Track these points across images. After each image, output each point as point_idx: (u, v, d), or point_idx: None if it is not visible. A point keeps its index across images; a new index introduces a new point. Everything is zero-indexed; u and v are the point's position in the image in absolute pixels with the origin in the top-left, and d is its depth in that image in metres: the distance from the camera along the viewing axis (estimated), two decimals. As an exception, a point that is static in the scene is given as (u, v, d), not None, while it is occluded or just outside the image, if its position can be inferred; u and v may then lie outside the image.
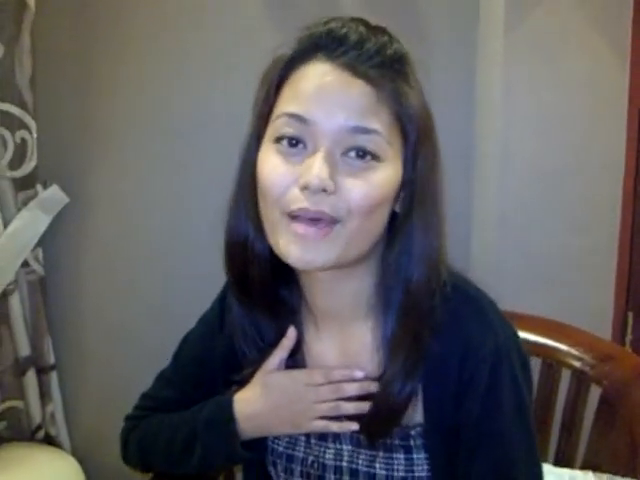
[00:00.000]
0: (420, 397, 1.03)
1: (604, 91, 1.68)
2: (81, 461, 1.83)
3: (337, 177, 0.90)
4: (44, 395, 1.82)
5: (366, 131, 0.90)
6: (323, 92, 0.91)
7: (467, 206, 1.78)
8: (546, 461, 1.41)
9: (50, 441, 1.86)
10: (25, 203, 1.69)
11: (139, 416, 1.23)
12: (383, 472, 1.06)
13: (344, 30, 0.92)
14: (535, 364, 1.41)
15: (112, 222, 1.84)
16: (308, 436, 1.11)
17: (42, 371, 1.81)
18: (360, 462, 1.08)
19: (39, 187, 1.70)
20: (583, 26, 1.65)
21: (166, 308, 1.84)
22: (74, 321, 1.89)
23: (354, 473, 1.08)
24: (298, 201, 0.90)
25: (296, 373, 1.07)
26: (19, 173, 1.67)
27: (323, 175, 0.88)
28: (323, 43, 0.93)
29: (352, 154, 0.91)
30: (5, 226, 1.67)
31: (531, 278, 1.72)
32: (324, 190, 0.89)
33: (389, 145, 0.92)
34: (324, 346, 1.10)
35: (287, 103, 0.93)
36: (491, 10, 1.66)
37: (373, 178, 0.91)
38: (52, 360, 1.82)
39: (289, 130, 0.92)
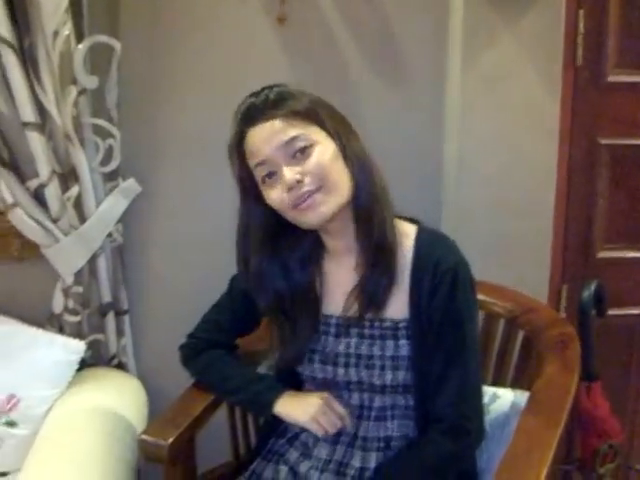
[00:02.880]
0: (407, 300, 1.41)
1: (537, 113, 1.96)
2: (144, 383, 2.14)
3: (300, 169, 1.35)
4: (119, 332, 2.14)
5: (292, 139, 1.35)
6: (260, 141, 1.37)
7: (437, 201, 2.08)
8: (485, 384, 1.69)
9: (121, 367, 2.17)
10: (111, 191, 2.01)
11: (199, 336, 1.67)
12: (378, 353, 1.42)
13: (250, 104, 1.40)
14: (480, 315, 1.73)
15: (174, 205, 2.17)
16: (326, 333, 1.49)
17: (118, 314, 2.13)
18: (363, 348, 1.44)
19: (120, 179, 2.03)
20: (522, 63, 1.94)
21: (218, 270, 2.02)
22: (143, 277, 2.20)
23: (359, 356, 1.44)
24: (290, 198, 1.36)
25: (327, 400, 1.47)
26: (107, 169, 1.99)
27: (290, 176, 1.34)
28: (245, 119, 1.40)
29: (297, 154, 1.35)
30: (97, 207, 2.01)
31: (487, 255, 1.95)
32: (298, 182, 1.34)
33: (312, 135, 1.36)
34: (331, 270, 1.52)
35: (251, 161, 1.40)
36: (454, 51, 1.98)
37: (315, 154, 1.35)
38: (126, 306, 2.15)
39: (263, 172, 1.38)
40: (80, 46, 1.88)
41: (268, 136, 1.36)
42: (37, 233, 2.01)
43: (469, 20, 1.93)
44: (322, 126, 1.38)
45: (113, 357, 2.15)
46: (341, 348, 1.47)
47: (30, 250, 2.11)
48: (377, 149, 2.06)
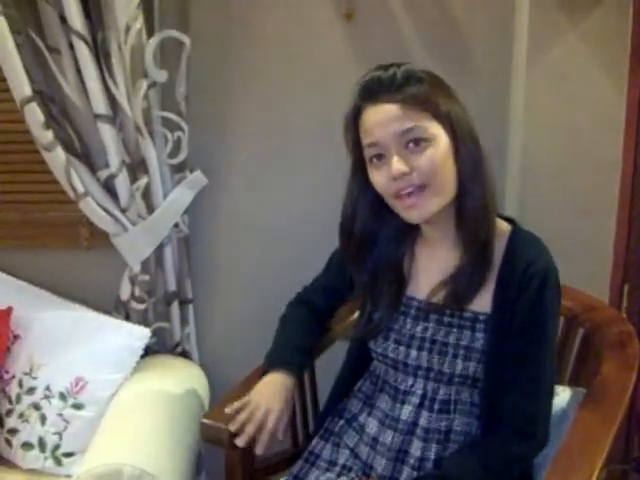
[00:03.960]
0: (491, 295, 1.41)
1: (602, 109, 1.93)
2: (205, 370, 2.19)
3: (409, 161, 1.35)
4: (183, 320, 2.20)
5: (409, 130, 1.34)
6: (377, 123, 1.37)
7: (499, 195, 2.10)
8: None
9: (184, 354, 2.23)
10: (178, 182, 2.07)
11: (300, 294, 1.76)
12: (453, 341, 1.42)
13: (377, 77, 1.39)
14: None
15: (239, 197, 2.19)
16: (405, 315, 1.51)
17: (183, 303, 2.20)
18: (439, 335, 1.45)
19: (187, 172, 2.08)
20: (588, 59, 1.92)
21: (281, 261, 2.19)
22: (207, 268, 2.24)
23: (433, 342, 1.45)
24: (394, 186, 1.37)
25: None
26: (175, 161, 2.05)
27: (399, 166, 1.34)
28: (364, 94, 1.40)
29: (411, 145, 1.35)
30: (164, 197, 2.06)
31: None
32: (404, 174, 1.35)
33: (430, 129, 1.35)
34: (423, 257, 1.53)
35: (364, 139, 1.40)
36: (519, 48, 1.97)
37: (429, 151, 1.35)
38: (190, 295, 2.20)
39: (372, 152, 1.39)
40: (151, 41, 1.95)
41: (384, 121, 1.36)
42: (106, 222, 2.08)
43: (535, 18, 1.92)
44: (439, 117, 1.37)
45: (177, 345, 2.21)
46: (418, 331, 1.48)
47: (99, 239, 2.19)
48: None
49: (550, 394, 1.44)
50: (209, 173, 2.12)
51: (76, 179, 2.02)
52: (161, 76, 1.97)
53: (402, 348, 1.49)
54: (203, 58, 2.06)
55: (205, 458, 1.98)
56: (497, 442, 1.40)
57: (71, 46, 1.92)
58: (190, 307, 2.22)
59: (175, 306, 2.18)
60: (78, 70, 1.94)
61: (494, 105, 2.02)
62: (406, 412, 1.47)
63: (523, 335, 1.38)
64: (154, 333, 2.14)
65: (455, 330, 1.43)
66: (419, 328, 1.48)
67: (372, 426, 1.53)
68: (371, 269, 1.53)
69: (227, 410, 1.55)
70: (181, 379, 2.10)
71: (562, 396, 1.64)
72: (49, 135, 1.98)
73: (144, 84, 1.94)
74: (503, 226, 1.47)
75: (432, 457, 1.44)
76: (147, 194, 2.06)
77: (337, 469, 1.55)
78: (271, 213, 2.19)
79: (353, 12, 2.04)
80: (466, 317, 1.43)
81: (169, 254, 2.14)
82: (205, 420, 1.63)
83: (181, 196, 2.10)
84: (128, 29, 1.87)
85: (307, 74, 2.08)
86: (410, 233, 1.54)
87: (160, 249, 2.13)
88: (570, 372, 1.77)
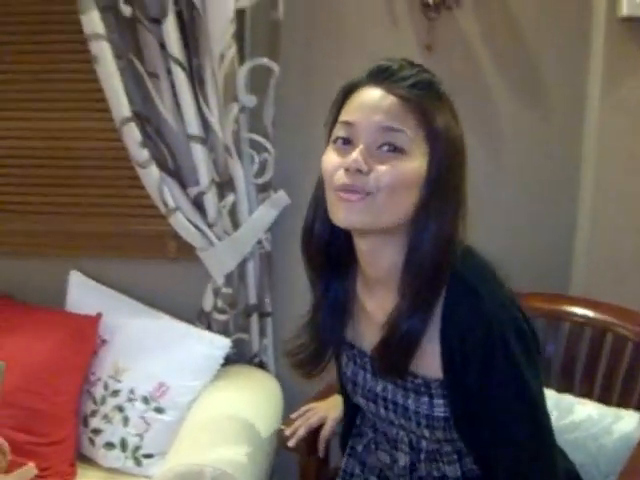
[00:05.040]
0: (438, 357, 1.22)
1: None
2: (281, 381, 2.24)
3: (371, 163, 1.15)
4: (261, 332, 2.27)
5: (394, 129, 1.15)
6: (365, 104, 1.18)
7: (571, 225, 2.11)
8: (610, 405, 1.76)
9: (262, 366, 2.29)
10: (262, 201, 2.16)
11: None
12: (413, 407, 1.27)
13: (388, 64, 1.21)
14: (609, 337, 1.84)
15: None
16: (364, 369, 1.36)
17: (262, 315, 2.27)
18: (398, 397, 1.30)
19: (272, 191, 2.17)
20: None
21: None
22: (286, 283, 2.27)
23: (395, 403, 1.31)
24: (341, 179, 1.16)
25: None
26: (260, 181, 2.15)
27: (359, 160, 1.14)
28: (372, 74, 1.21)
29: (385, 148, 1.16)
30: (249, 215, 2.15)
31: (621, 277, 1.98)
32: (359, 171, 1.14)
33: (413, 144, 1.16)
34: (369, 301, 1.33)
35: (343, 116, 1.22)
36: (594, 79, 2.00)
37: (398, 166, 1.15)
38: (269, 308, 2.27)
39: (341, 133, 1.20)
40: (242, 67, 2.07)
41: (374, 106, 1.18)
42: (194, 236, 2.19)
43: (610, 48, 1.95)
44: (432, 141, 1.18)
45: (254, 356, 2.29)
46: (378, 389, 1.34)
47: (186, 252, 2.28)
48: (515, 171, 2.13)
49: (548, 447, 1.26)
50: (292, 193, 2.19)
51: (168, 195, 2.14)
52: (251, 101, 2.08)
53: (371, 404, 1.37)
54: (290, 84, 2.15)
55: (279, 466, 2.04)
56: None
57: (169, 71, 2.05)
58: (269, 320, 2.29)
59: (255, 318, 2.26)
60: (174, 93, 2.06)
61: (567, 138, 2.07)
62: (403, 459, 1.39)
63: (486, 409, 1.21)
64: (234, 343, 2.21)
65: (412, 395, 1.28)
66: (379, 387, 1.34)
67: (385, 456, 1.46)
68: (321, 288, 1.40)
69: (292, 415, 1.65)
70: (258, 389, 2.17)
71: (627, 420, 1.66)
72: (145, 153, 2.10)
73: (235, 108, 2.05)
74: None
75: None
76: (233, 211, 2.16)
77: None
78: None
79: (433, 44, 2.11)
80: (418, 383, 1.27)
81: (251, 269, 2.22)
82: (282, 427, 1.71)
83: (265, 214, 2.19)
84: (222, 57, 1.99)
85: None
86: (353, 263, 1.35)
87: (243, 264, 2.21)
88: (637, 397, 1.79)
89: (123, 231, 2.42)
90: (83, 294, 2.36)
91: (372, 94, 1.19)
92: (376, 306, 1.31)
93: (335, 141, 1.22)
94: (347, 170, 1.16)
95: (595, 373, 1.88)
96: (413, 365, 1.24)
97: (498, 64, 2.10)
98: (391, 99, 1.17)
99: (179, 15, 2.01)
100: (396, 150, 1.16)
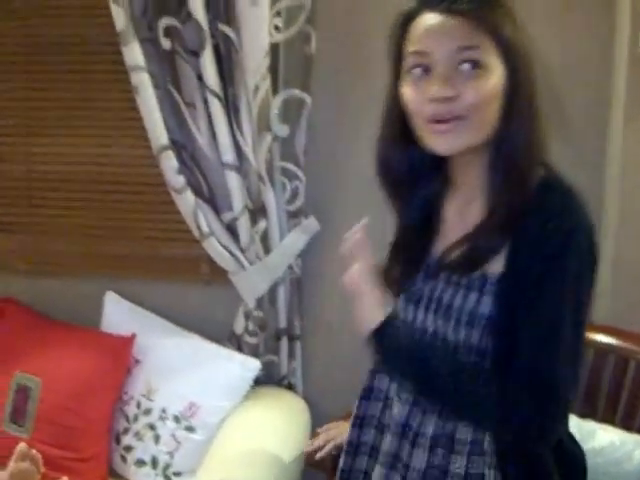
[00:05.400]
0: (504, 255, 1.20)
1: None
2: (308, 403, 2.28)
3: (456, 86, 1.16)
4: (290, 355, 2.32)
5: (469, 47, 1.16)
6: (432, 30, 1.18)
7: None
8: (613, 425, 1.79)
9: (290, 387, 2.33)
10: (293, 227, 2.23)
11: None
12: (459, 303, 1.23)
13: None
14: (610, 359, 1.88)
15: None
16: (418, 272, 1.34)
17: (291, 338, 2.31)
18: (446, 295, 1.26)
19: (302, 217, 2.24)
20: None
21: None
22: (315, 307, 2.33)
23: (439, 302, 1.27)
24: (430, 109, 1.18)
25: None
26: (292, 207, 2.23)
27: (445, 87, 1.16)
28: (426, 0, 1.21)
29: (465, 66, 1.16)
30: (280, 240, 2.22)
31: None
32: (447, 99, 1.16)
33: (489, 57, 1.17)
34: (452, 209, 1.34)
35: (411, 46, 1.21)
36: (617, 110, 2.06)
37: (481, 83, 1.16)
38: (299, 332, 2.32)
39: (415, 61, 1.20)
40: (276, 98, 2.15)
41: (441, 31, 1.19)
42: (227, 260, 2.25)
43: (632, 79, 2.00)
44: (503, 48, 1.19)
45: (283, 377, 2.33)
46: (427, 290, 1.32)
47: (218, 275, 2.35)
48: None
49: (574, 360, 1.20)
50: (322, 219, 2.26)
51: (202, 220, 2.21)
52: (283, 130, 2.17)
53: (411, 307, 1.34)
54: (321, 114, 2.22)
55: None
56: (503, 409, 1.20)
57: (205, 101, 2.13)
58: (298, 343, 2.34)
59: (284, 341, 2.31)
60: (210, 123, 2.14)
61: (590, 167, 2.10)
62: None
63: (536, 291, 1.17)
64: (263, 365, 2.24)
65: (462, 291, 1.25)
66: (428, 287, 1.32)
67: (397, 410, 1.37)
68: (405, 214, 1.40)
69: (318, 430, 1.67)
70: (286, 410, 2.21)
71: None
72: (181, 180, 2.18)
73: (268, 137, 2.13)
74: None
75: (429, 431, 1.29)
76: (265, 237, 2.23)
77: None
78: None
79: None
80: (474, 277, 1.24)
81: (282, 293, 2.28)
82: (310, 448, 1.75)
83: (296, 240, 2.25)
84: (257, 88, 2.07)
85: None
86: (441, 183, 1.36)
87: (274, 288, 2.27)
88: None
89: (158, 254, 2.49)
90: (118, 315, 2.42)
91: (436, 18, 1.19)
92: (465, 216, 1.30)
93: (410, 71, 1.23)
94: (434, 100, 1.18)
95: (618, 400, 1.90)
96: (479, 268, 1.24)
97: None
98: (457, 19, 1.17)
99: (216, 48, 2.10)
100: (475, 66, 1.17)
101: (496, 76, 1.18)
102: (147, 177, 2.43)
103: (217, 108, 2.11)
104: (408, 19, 1.24)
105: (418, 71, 1.20)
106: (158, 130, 2.15)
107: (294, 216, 2.25)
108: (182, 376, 2.21)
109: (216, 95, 2.09)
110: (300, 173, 2.21)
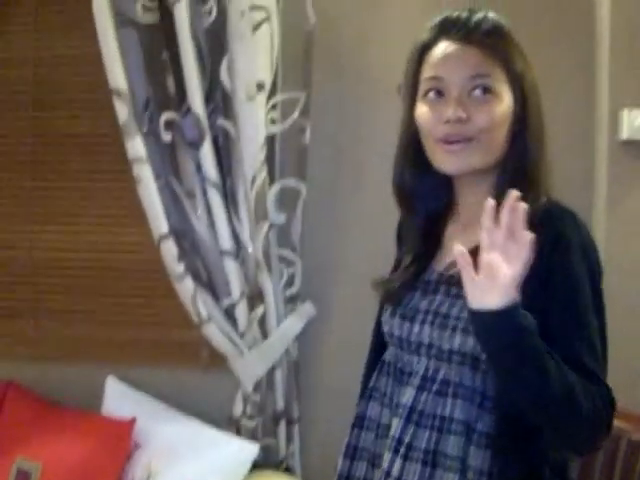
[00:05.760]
0: None
1: None
2: None
3: (468, 110, 1.25)
4: (289, 438, 2.33)
5: (481, 76, 1.25)
6: (448, 58, 1.28)
7: None
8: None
9: (288, 470, 2.33)
10: (290, 312, 2.29)
11: None
12: (455, 313, 1.27)
13: (456, 15, 1.30)
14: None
15: (346, 327, 2.32)
16: (415, 289, 1.37)
17: (289, 422, 2.33)
18: (443, 307, 1.30)
19: (299, 302, 2.30)
20: None
21: None
22: (313, 390, 2.36)
23: (436, 314, 1.31)
24: (443, 130, 1.26)
25: None
26: (288, 293, 2.29)
27: (458, 109, 1.24)
28: (443, 28, 1.30)
29: (477, 92, 1.25)
30: (277, 325, 2.27)
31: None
32: (459, 120, 1.24)
33: (500, 85, 1.26)
34: (456, 229, 1.38)
35: (427, 72, 1.30)
36: (599, 196, 2.14)
37: (492, 107, 1.25)
38: (296, 415, 2.33)
39: (430, 85, 1.29)
40: (272, 188, 2.23)
41: (456, 59, 1.28)
42: (225, 345, 2.30)
43: (612, 167, 2.10)
44: (512, 77, 1.28)
45: (281, 461, 2.33)
46: (423, 305, 1.35)
47: (217, 359, 2.38)
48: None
49: (604, 352, 1.26)
50: (318, 304, 2.31)
51: (201, 306, 2.27)
52: (280, 218, 2.25)
53: (406, 324, 1.36)
54: (316, 203, 2.30)
55: None
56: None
57: (204, 191, 2.22)
58: (296, 426, 2.35)
59: (282, 424, 2.32)
60: (209, 212, 2.23)
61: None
62: (407, 395, 1.33)
63: (556, 301, 1.22)
64: (262, 449, 2.24)
65: (460, 301, 1.26)
66: (425, 302, 1.35)
67: (385, 415, 1.40)
68: (413, 226, 1.44)
69: None
70: (283, 493, 2.22)
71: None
72: (181, 267, 2.25)
73: (265, 225, 2.20)
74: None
75: (422, 446, 1.28)
76: (263, 321, 2.27)
77: None
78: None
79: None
80: None
81: (279, 376, 2.30)
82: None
83: (293, 324, 2.30)
84: (254, 179, 2.16)
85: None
86: (446, 207, 1.41)
87: (271, 371, 2.30)
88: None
89: (158, 339, 2.54)
90: (119, 399, 2.45)
91: (452, 46, 1.28)
92: (469, 234, 1.30)
93: (426, 94, 1.31)
94: (447, 121, 1.26)
95: (611, 477, 1.92)
96: None
97: None
98: (472, 48, 1.27)
99: (215, 141, 2.20)
100: (487, 92, 1.26)
101: (505, 103, 1.27)
102: (147, 264, 2.49)
103: (216, 198, 2.19)
104: (425, 48, 1.32)
105: (433, 94, 1.29)
106: (159, 219, 2.23)
107: (291, 301, 2.30)
108: (181, 460, 2.21)
109: (215, 185, 2.18)
110: (296, 260, 2.27)
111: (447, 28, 1.30)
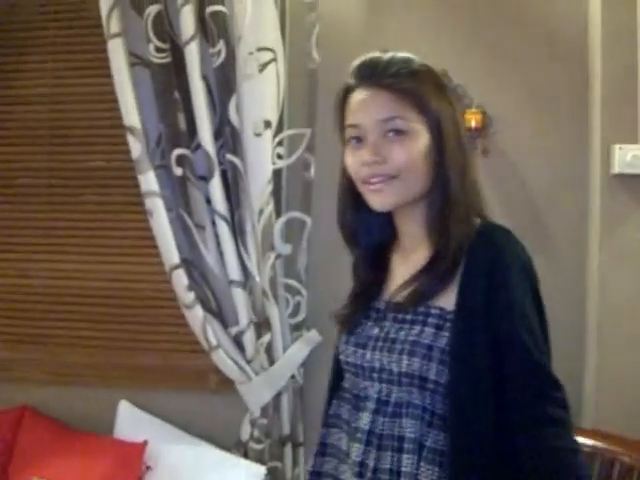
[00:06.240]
0: (455, 291, 1.31)
1: None
2: None
3: (384, 151, 1.31)
4: (294, 461, 2.41)
5: (393, 118, 1.31)
6: (361, 104, 1.35)
7: (579, 358, 2.26)
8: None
9: None
10: (296, 339, 2.38)
11: None
12: (402, 337, 1.33)
13: (368, 59, 1.37)
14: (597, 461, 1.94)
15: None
16: (368, 318, 1.43)
17: (295, 445, 2.42)
18: (392, 331, 1.36)
19: (304, 330, 2.39)
20: None
21: None
22: (317, 415, 2.26)
23: (385, 340, 1.36)
24: (364, 172, 1.34)
25: None
26: (293, 321, 2.38)
27: (372, 154, 1.32)
28: (359, 75, 1.36)
29: (390, 134, 1.32)
30: (284, 352, 2.36)
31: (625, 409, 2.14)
32: (376, 162, 1.32)
33: (412, 123, 1.31)
34: (399, 258, 1.45)
35: (348, 119, 1.37)
36: (594, 229, 2.24)
37: (406, 145, 1.31)
38: (302, 439, 2.43)
39: (351, 133, 1.36)
40: (279, 220, 2.33)
41: (369, 105, 1.35)
42: (233, 371, 2.38)
43: (605, 200, 2.19)
44: (425, 114, 1.33)
45: (288, 483, 2.43)
46: (375, 332, 1.41)
47: (225, 385, 2.47)
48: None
49: (548, 352, 1.34)
50: (323, 331, 2.36)
51: (210, 333, 2.35)
52: (286, 249, 2.34)
53: (360, 351, 1.42)
54: (321, 234, 2.37)
55: None
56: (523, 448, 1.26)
57: (213, 223, 2.32)
58: (301, 449, 2.44)
59: (288, 448, 2.41)
60: (218, 243, 2.32)
61: (571, 277, 2.29)
62: (364, 420, 1.38)
63: (502, 320, 1.28)
64: (268, 471, 2.34)
65: (407, 326, 1.35)
66: (376, 329, 1.41)
67: (344, 441, 1.44)
68: (361, 259, 1.52)
69: None
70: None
71: None
72: (191, 296, 2.34)
73: (272, 256, 2.30)
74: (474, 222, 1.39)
75: (387, 466, 1.33)
76: (270, 348, 2.36)
77: None
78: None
79: (488, 149, 2.35)
80: (419, 312, 1.35)
81: (285, 401, 2.39)
82: None
83: (298, 351, 2.39)
84: (261, 211, 2.26)
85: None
86: (390, 239, 1.49)
87: (278, 396, 2.39)
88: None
89: (169, 365, 2.64)
90: (131, 422, 2.54)
91: (364, 93, 1.35)
92: (410, 265, 1.40)
93: (349, 142, 1.38)
94: (365, 164, 1.34)
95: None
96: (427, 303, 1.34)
97: (506, 215, 2.27)
98: (382, 93, 1.33)
99: (224, 175, 2.30)
100: (399, 133, 1.32)
101: (421, 140, 1.33)
102: (158, 292, 2.61)
103: (224, 230, 2.28)
104: (346, 94, 1.40)
105: (354, 142, 1.37)
106: (170, 250, 2.32)
107: (297, 329, 2.39)
108: (190, 482, 2.28)
109: (224, 218, 2.28)
110: (302, 289, 2.36)
111: (361, 73, 1.37)
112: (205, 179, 2.30)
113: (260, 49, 2.26)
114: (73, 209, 2.74)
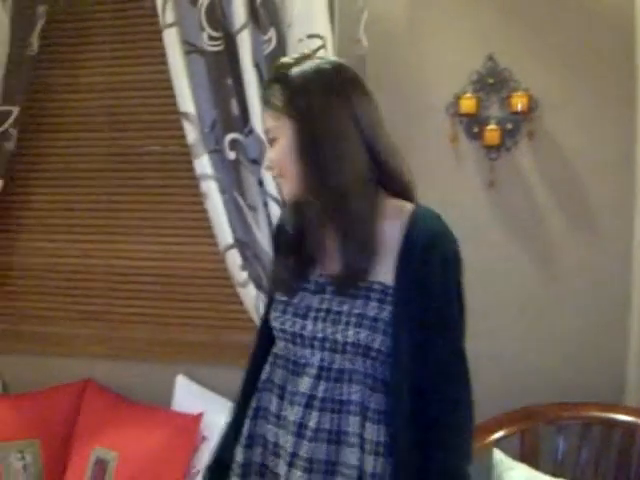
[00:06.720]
0: (392, 268, 1.42)
1: None
2: None
3: (270, 156, 1.51)
4: None
5: (268, 131, 1.50)
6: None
7: (622, 338, 2.30)
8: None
9: None
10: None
11: None
12: (347, 309, 1.44)
13: (275, 69, 1.53)
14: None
15: None
16: (305, 290, 1.52)
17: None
18: (334, 304, 1.46)
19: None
20: None
21: None
22: None
23: (328, 311, 1.46)
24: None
25: None
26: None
27: (266, 164, 1.55)
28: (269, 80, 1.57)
29: (270, 141, 1.50)
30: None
31: None
32: (269, 167, 1.53)
33: (279, 130, 1.47)
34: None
35: None
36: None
37: (276, 147, 1.48)
38: None
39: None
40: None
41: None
42: (285, 347, 2.46)
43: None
44: (294, 117, 1.45)
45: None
46: (315, 303, 1.50)
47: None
48: (567, 291, 2.35)
49: (463, 358, 1.45)
50: None
51: (263, 311, 2.43)
52: (335, 230, 2.40)
53: (299, 320, 1.50)
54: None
55: None
56: (422, 412, 1.41)
57: (265, 204, 2.40)
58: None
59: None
60: (269, 223, 2.40)
61: (616, 259, 2.30)
62: (305, 384, 1.46)
63: (426, 304, 1.41)
64: None
65: (349, 300, 1.45)
66: (316, 300, 1.50)
67: (274, 403, 1.53)
68: (299, 228, 1.58)
69: None
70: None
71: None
72: (244, 275, 2.43)
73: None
74: (403, 205, 1.48)
75: (327, 427, 1.43)
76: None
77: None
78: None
79: (495, 181, 2.41)
80: (361, 287, 1.44)
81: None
82: None
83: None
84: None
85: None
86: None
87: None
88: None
89: (223, 341, 2.75)
90: (187, 395, 2.65)
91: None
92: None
93: None
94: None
95: (629, 468, 2.05)
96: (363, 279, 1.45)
97: (553, 197, 2.38)
98: (266, 109, 1.51)
99: (275, 158, 2.37)
100: (272, 140, 1.50)
101: (287, 139, 1.46)
102: (213, 272, 2.72)
103: (276, 210, 2.36)
104: None
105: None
106: (225, 231, 2.41)
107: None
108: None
109: (275, 199, 2.36)
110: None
111: (269, 80, 1.57)
112: (257, 162, 2.38)
113: (310, 36, 2.32)
114: (131, 192, 2.85)
